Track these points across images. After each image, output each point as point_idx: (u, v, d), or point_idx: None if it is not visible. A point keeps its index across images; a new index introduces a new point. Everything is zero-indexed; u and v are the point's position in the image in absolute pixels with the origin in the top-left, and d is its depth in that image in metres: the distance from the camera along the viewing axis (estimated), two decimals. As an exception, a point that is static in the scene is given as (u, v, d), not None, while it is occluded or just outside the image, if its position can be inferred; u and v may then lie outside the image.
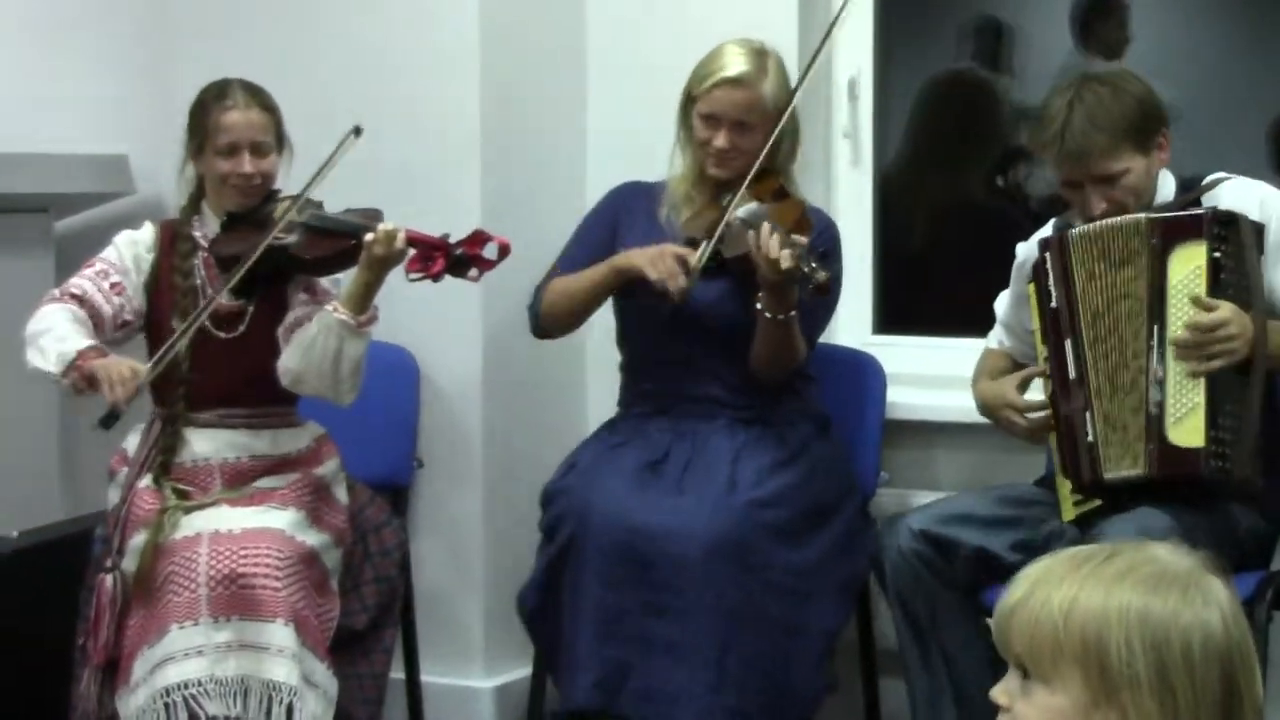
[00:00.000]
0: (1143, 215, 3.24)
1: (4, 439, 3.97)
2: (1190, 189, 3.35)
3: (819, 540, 3.50)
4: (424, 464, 4.04)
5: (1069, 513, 3.32)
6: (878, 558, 3.40)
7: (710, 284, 3.50)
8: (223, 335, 3.53)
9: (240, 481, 3.52)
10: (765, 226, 3.31)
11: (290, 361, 3.48)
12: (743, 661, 3.36)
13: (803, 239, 3.32)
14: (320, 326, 3.43)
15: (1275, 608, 3.22)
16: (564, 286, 3.66)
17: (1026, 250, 3.50)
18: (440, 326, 3.98)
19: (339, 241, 3.47)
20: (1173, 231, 3.20)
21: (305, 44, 4.11)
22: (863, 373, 3.88)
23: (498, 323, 4.00)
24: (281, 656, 3.30)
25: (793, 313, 3.40)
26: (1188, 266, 3.18)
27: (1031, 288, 3.37)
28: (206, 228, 3.61)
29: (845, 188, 4.14)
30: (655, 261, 3.47)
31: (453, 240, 3.44)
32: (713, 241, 3.44)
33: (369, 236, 3.38)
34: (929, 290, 4.40)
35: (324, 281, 3.58)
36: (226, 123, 3.52)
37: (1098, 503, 3.28)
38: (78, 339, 3.36)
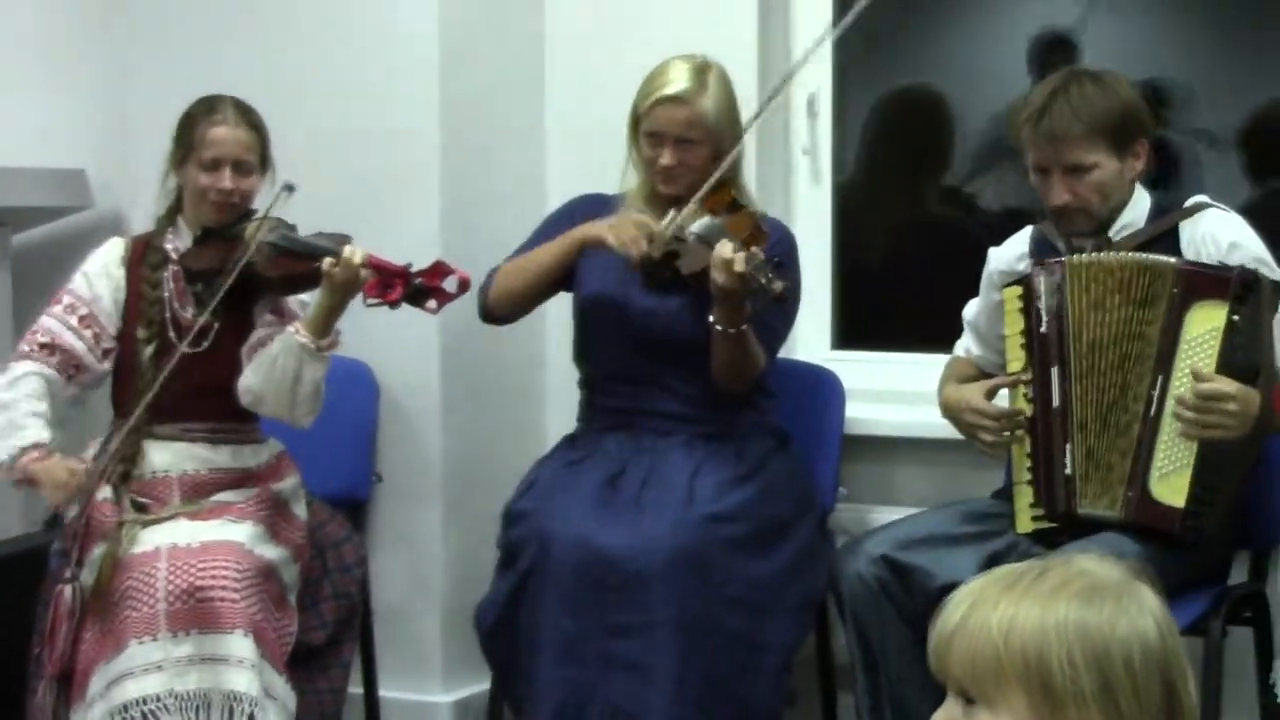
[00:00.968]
0: (1173, 260, 3.19)
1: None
2: (1166, 212, 3.32)
3: (778, 555, 3.51)
4: (383, 478, 4.04)
5: (1025, 525, 3.32)
6: (835, 580, 3.35)
7: (667, 300, 3.51)
8: (187, 350, 3.52)
9: (198, 494, 3.52)
10: (722, 243, 3.32)
11: (251, 381, 3.48)
12: (703, 676, 3.36)
13: (758, 251, 3.33)
14: (281, 347, 3.44)
15: (1230, 623, 3.21)
16: (518, 264, 3.66)
17: (999, 256, 3.50)
18: (398, 340, 3.97)
19: (301, 263, 3.47)
20: (1197, 286, 3.15)
21: (264, 62, 4.10)
22: (822, 388, 3.88)
23: (456, 336, 4.00)
24: (242, 667, 3.29)
25: (744, 327, 3.41)
26: (1204, 326, 3.12)
27: (1010, 296, 3.34)
28: (180, 240, 3.62)
29: (805, 204, 4.15)
30: (615, 228, 3.48)
31: (414, 270, 3.44)
32: (680, 217, 3.44)
33: (328, 261, 3.39)
34: (888, 306, 4.40)
35: (292, 303, 3.59)
36: (213, 137, 3.53)
37: (1054, 524, 3.28)
38: (25, 433, 3.44)
